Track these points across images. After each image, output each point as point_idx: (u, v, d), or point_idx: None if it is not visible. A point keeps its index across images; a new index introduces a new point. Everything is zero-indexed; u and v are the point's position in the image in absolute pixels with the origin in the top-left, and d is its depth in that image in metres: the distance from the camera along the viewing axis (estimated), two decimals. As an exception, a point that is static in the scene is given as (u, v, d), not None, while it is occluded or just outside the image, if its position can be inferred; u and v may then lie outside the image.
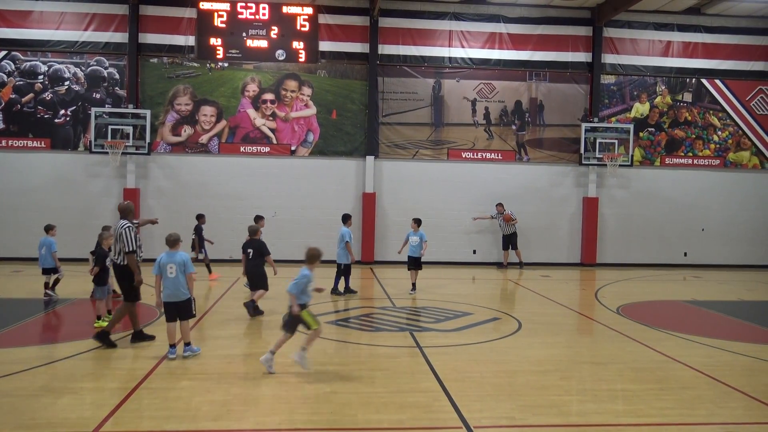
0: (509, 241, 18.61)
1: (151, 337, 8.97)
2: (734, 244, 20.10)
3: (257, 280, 11.05)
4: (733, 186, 20.12)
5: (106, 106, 18.07)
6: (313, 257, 7.77)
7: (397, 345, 9.18)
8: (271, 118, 18.73)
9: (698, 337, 9.96)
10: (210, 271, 15.10)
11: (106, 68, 18.23)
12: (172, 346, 8.12)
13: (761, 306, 13.95)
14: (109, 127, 17.63)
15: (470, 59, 19.07)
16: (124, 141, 17.61)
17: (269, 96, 18.71)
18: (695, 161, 20.03)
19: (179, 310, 8.12)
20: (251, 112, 18.67)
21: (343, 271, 13.34)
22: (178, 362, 7.95)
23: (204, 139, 18.55)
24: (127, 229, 8.64)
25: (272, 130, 18.75)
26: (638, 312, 12.09)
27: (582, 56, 19.41)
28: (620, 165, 19.16)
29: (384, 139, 19.02)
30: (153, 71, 18.36)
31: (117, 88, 18.25)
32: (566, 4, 18.94)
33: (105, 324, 9.70)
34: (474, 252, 19.27)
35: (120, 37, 18.06)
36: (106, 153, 17.65)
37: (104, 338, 8.57)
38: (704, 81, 19.92)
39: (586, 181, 19.54)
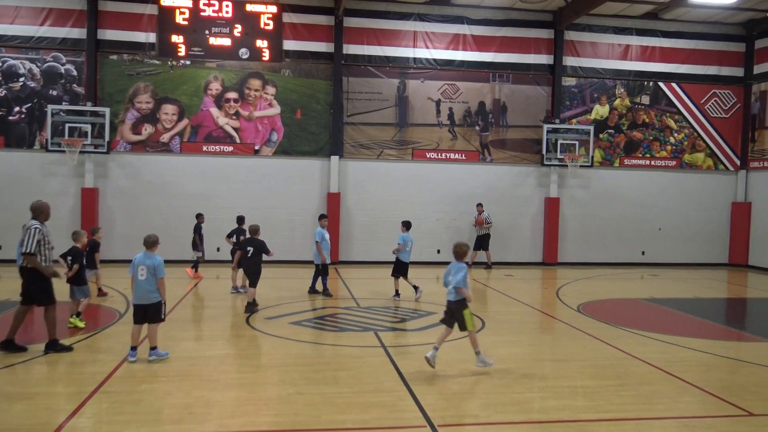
0: (480, 241, 18.81)
1: (23, 349, 8.27)
2: (690, 243, 20.67)
3: (255, 277, 11.51)
4: (688, 186, 20.69)
5: (63, 103, 17.60)
6: (460, 254, 8.04)
7: (362, 345, 9.18)
8: (234, 117, 18.52)
9: (656, 333, 10.21)
10: (196, 270, 15.29)
11: (63, 65, 17.76)
12: (133, 348, 8.00)
13: (716, 303, 14.39)
14: (66, 125, 17.17)
15: (434, 60, 19.18)
16: (82, 139, 17.18)
17: (232, 95, 18.49)
18: (653, 162, 20.54)
19: (147, 314, 8.02)
20: (214, 111, 18.43)
21: (319, 270, 13.19)
22: (139, 365, 7.80)
23: (165, 137, 18.23)
24: (33, 229, 8.28)
25: (236, 129, 18.54)
26: (598, 310, 12.33)
27: (544, 58, 19.70)
28: (581, 166, 19.52)
29: (349, 139, 18.99)
30: (112, 68, 17.96)
31: (75, 85, 17.79)
32: (528, 7, 19.20)
33: (80, 323, 9.79)
34: (438, 252, 19.37)
35: (78, 32, 17.61)
36: (63, 152, 17.19)
37: (55, 346, 8.29)
38: (661, 84, 20.43)
39: (548, 182, 19.85)
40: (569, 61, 19.82)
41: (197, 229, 15.07)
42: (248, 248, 11.54)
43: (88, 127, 17.30)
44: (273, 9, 18.18)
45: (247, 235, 12.04)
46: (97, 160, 17.82)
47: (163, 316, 8.19)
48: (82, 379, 7.25)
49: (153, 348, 8.06)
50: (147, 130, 18.12)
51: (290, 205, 18.53)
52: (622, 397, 7.03)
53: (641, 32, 20.09)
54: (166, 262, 8.34)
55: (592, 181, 20.19)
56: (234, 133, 18.53)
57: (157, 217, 17.62)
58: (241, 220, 14.02)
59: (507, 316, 11.71)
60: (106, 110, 17.47)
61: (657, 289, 15.62)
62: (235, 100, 18.50)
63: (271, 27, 18.19)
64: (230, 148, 18.49)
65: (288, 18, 18.46)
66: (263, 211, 18.43)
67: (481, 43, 19.33)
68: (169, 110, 18.21)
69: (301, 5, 18.52)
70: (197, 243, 15.04)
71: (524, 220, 19.86)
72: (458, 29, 19.21)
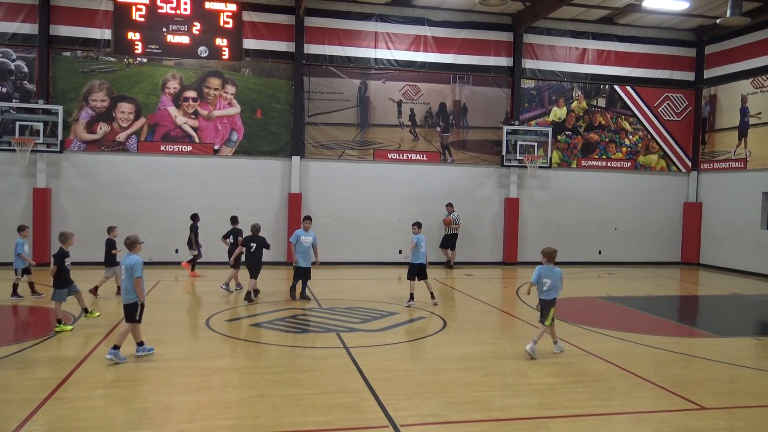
0: (447, 240, 18.97)
1: None
2: (644, 243, 21.21)
3: (257, 270, 12.75)
4: (642, 187, 21.24)
5: (14, 100, 17.01)
6: (552, 256, 8.83)
7: (324, 346, 9.15)
8: (193, 117, 18.21)
9: (612, 331, 10.45)
10: (192, 269, 15.60)
11: (13, 61, 17.17)
12: (139, 344, 8.34)
13: (668, 300, 14.81)
14: (17, 123, 16.61)
15: (396, 61, 19.24)
16: (34, 138, 16.64)
17: (191, 93, 18.18)
18: (608, 164, 21.02)
19: (124, 312, 8.19)
20: (172, 109, 18.08)
21: (297, 273, 12.96)
22: (94, 370, 7.61)
23: (122, 137, 17.80)
24: None
25: (194, 129, 18.24)
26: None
27: (503, 61, 19.96)
28: (539, 167, 19.83)
29: (310, 139, 18.89)
30: (66, 65, 17.45)
31: (26, 82, 17.22)
32: (488, 9, 19.42)
33: (68, 328, 9.63)
34: (400, 252, 19.40)
35: (29, 28, 17.05)
36: (14, 151, 16.61)
37: None
38: (616, 87, 20.92)
39: (508, 182, 20.12)
40: (528, 63, 20.13)
41: (193, 229, 15.35)
42: (251, 244, 12.70)
43: (40, 126, 16.76)
44: (233, 7, 17.96)
45: (245, 234, 13.24)
46: (49, 160, 17.29)
47: (137, 318, 8.21)
48: (34, 385, 7.02)
49: (115, 347, 8.02)
50: (102, 128, 17.67)
51: (250, 206, 18.28)
52: (580, 393, 7.18)
53: (597, 36, 20.54)
54: (124, 264, 8.17)
55: (550, 182, 20.55)
56: (193, 133, 18.23)
57: (113, 217, 17.08)
58: (234, 220, 14.51)
59: (468, 315, 11.83)
60: (59, 108, 16.96)
61: (613, 287, 15.99)
62: (194, 99, 18.20)
63: (230, 25, 17.96)
64: (189, 148, 18.18)
65: (248, 16, 18.26)
66: (223, 211, 18.10)
67: (441, 45, 19.47)
68: (125, 109, 17.80)
69: (262, 4, 18.32)
70: (193, 242, 15.36)
71: (485, 220, 20.08)
72: (419, 31, 19.31)
